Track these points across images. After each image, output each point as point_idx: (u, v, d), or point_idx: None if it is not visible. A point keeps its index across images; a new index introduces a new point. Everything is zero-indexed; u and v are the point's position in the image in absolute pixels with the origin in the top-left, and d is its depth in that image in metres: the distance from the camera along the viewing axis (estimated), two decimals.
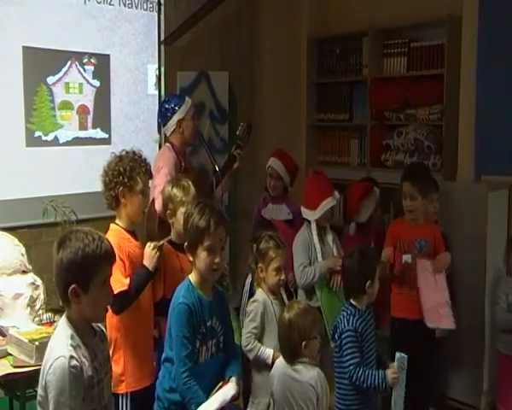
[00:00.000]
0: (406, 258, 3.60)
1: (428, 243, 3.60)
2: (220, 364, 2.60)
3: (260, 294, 3.18)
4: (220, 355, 2.60)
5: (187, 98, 4.10)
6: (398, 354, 2.89)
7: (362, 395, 2.94)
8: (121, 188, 2.86)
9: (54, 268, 2.02)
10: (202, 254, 2.51)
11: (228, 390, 2.50)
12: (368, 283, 2.96)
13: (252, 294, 3.40)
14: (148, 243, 2.91)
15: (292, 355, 2.80)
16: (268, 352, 3.05)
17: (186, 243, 2.56)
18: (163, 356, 2.58)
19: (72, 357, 1.94)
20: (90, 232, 2.03)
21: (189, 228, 2.55)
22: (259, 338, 3.09)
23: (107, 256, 2.04)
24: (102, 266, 2.02)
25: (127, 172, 2.87)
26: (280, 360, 2.87)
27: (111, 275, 2.10)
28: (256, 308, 3.10)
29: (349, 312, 2.96)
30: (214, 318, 2.57)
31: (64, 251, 1.99)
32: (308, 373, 2.77)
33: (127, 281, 2.80)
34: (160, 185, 3.51)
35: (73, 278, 1.98)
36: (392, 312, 3.66)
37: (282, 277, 3.17)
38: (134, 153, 2.97)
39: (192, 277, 2.57)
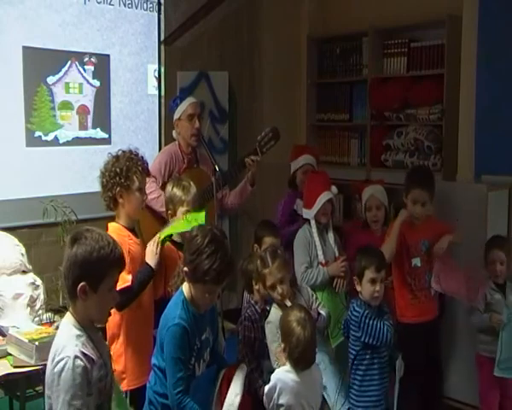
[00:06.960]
0: (416, 261, 3.60)
1: (430, 242, 3.61)
2: (214, 375, 2.61)
3: (274, 312, 3.08)
4: (214, 367, 2.62)
5: (188, 98, 4.10)
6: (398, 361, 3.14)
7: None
8: (118, 188, 2.89)
9: (65, 262, 2.03)
10: (202, 293, 2.47)
11: (241, 369, 2.58)
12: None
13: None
14: (149, 242, 2.94)
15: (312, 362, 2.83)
16: None
17: (188, 270, 2.47)
18: (153, 361, 2.55)
19: (76, 357, 1.96)
20: (105, 235, 2.07)
21: (196, 266, 2.44)
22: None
23: (119, 262, 2.08)
24: (113, 271, 2.06)
25: (123, 173, 2.89)
26: (284, 374, 2.80)
27: (117, 281, 2.13)
28: (271, 330, 3.04)
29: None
30: (208, 328, 2.57)
31: (79, 247, 2.00)
32: (317, 372, 2.89)
33: (129, 277, 2.81)
34: (152, 172, 3.53)
35: (84, 275, 2.00)
36: (399, 318, 3.60)
37: (280, 290, 3.04)
38: (130, 152, 2.99)
39: (185, 290, 2.52)
